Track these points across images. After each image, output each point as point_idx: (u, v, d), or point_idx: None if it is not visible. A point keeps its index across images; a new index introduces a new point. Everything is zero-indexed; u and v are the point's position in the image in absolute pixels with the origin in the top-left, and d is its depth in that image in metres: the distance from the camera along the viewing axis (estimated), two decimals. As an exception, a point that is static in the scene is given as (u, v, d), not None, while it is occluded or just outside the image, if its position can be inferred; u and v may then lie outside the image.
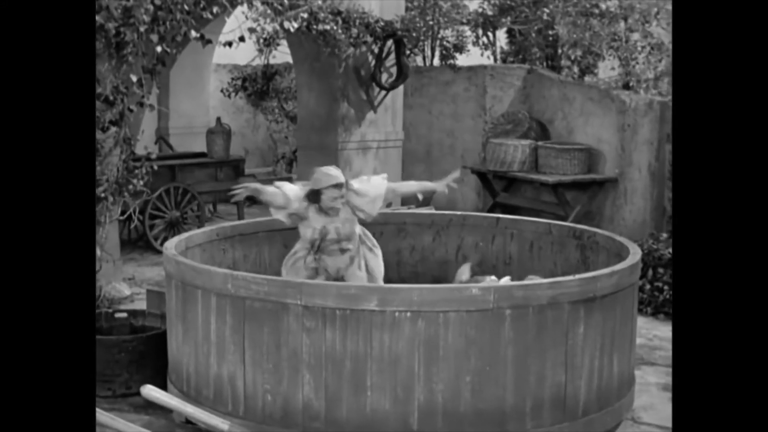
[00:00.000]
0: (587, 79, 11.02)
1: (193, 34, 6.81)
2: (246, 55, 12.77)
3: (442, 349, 4.13)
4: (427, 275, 6.32)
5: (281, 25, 8.01)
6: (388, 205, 9.00)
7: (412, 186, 5.88)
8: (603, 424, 4.59)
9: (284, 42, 10.35)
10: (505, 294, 4.18)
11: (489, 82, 10.65)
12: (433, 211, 7.50)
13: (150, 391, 4.28)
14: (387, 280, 5.58)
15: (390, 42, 9.58)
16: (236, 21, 8.20)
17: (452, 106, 11.08)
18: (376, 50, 9.60)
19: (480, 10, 11.42)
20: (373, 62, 9.66)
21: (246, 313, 4.33)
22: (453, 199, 10.92)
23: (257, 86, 13.24)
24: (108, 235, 7.13)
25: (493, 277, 5.57)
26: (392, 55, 9.72)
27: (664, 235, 7.99)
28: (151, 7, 6.42)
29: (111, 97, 6.53)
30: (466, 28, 11.35)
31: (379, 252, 5.44)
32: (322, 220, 5.15)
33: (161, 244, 8.86)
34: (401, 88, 10.06)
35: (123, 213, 7.41)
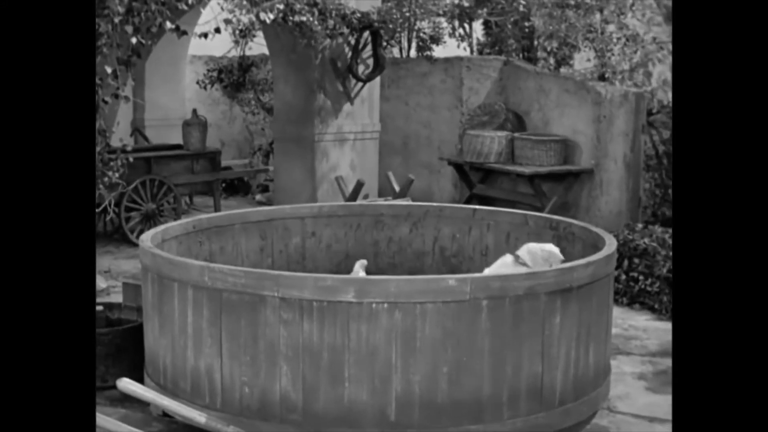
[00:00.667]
0: (563, 70, 11.05)
1: (169, 25, 6.77)
2: (222, 46, 12.71)
3: (419, 340, 4.14)
4: (404, 267, 6.33)
5: (257, 16, 7.98)
6: (365, 196, 9.00)
7: None
8: (579, 414, 4.62)
9: (260, 33, 10.29)
10: (481, 285, 4.19)
11: (465, 73, 10.66)
12: (410, 203, 7.51)
13: (126, 384, 4.27)
14: (365, 271, 5.59)
15: (366, 33, 9.56)
16: (212, 12, 8.16)
17: (429, 98, 11.09)
18: (353, 42, 9.58)
19: (456, 1, 11.42)
20: (350, 54, 9.64)
21: (223, 306, 4.32)
22: (429, 190, 10.95)
23: (233, 78, 13.18)
24: (83, 228, 7.06)
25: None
26: (369, 47, 9.70)
27: (640, 225, 8.04)
28: (125, -2, 6.37)
29: (86, 89, 6.46)
30: (443, 19, 11.35)
31: None
32: None
33: (137, 237, 8.83)
34: (378, 79, 10.05)
35: (98, 205, 7.36)
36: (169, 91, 12.71)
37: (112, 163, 6.96)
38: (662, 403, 5.17)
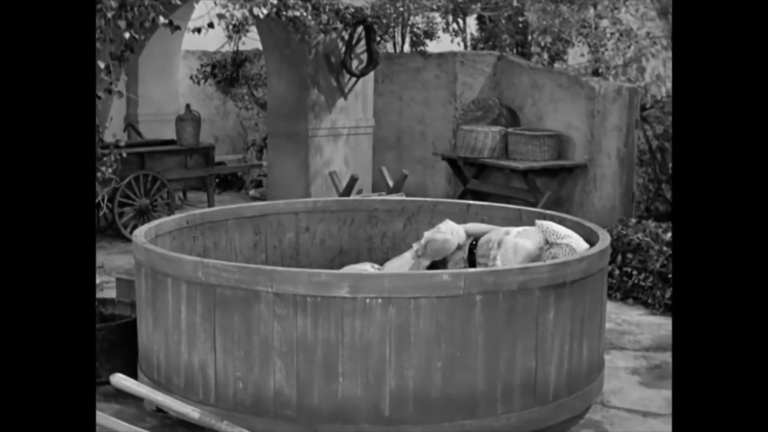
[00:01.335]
0: (557, 65, 11.05)
1: (162, 20, 6.75)
2: (215, 41, 12.69)
3: (413, 335, 4.14)
4: (398, 262, 6.32)
5: (250, 11, 7.96)
6: (359, 191, 9.00)
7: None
8: (573, 409, 4.63)
9: (254, 28, 10.28)
10: (475, 280, 4.19)
11: (459, 68, 10.65)
12: (404, 198, 7.51)
13: (120, 379, 4.26)
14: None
15: (360, 28, 9.55)
16: (205, 7, 8.15)
17: (423, 93, 11.08)
18: (347, 37, 9.57)
19: (450, -4, 11.41)
20: (344, 49, 9.63)
21: (216, 301, 4.32)
22: (423, 186, 10.95)
23: (227, 73, 13.16)
24: (77, 223, 7.05)
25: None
26: (362, 42, 9.69)
27: (633, 220, 8.05)
28: (118, -7, 6.36)
29: (78, 84, 6.45)
30: (437, 14, 11.34)
31: None
32: None
33: (130, 232, 8.80)
34: (372, 74, 10.04)
35: (92, 201, 7.34)
36: (163, 86, 12.68)
37: (105, 159, 6.95)
38: (655, 398, 5.18)
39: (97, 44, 6.43)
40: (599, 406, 5.03)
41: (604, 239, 4.93)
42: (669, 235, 7.29)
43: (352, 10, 9.29)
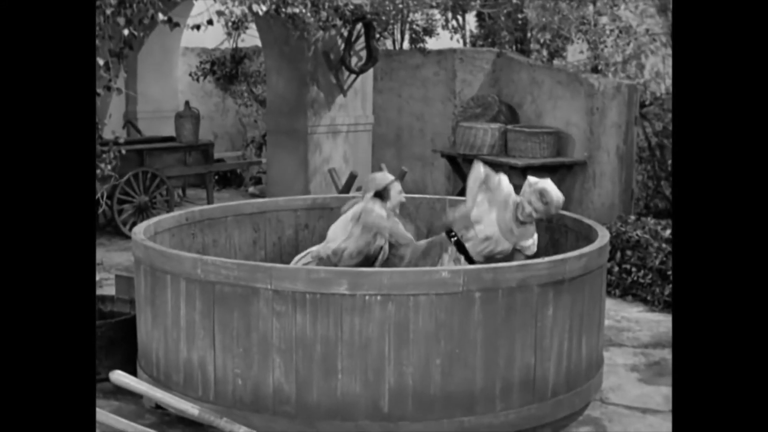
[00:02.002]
0: (556, 62, 11.04)
1: (161, 17, 6.74)
2: (214, 38, 12.68)
3: (412, 332, 4.14)
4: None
5: (250, 8, 7.95)
6: (358, 188, 8.99)
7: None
8: (571, 406, 4.63)
9: (253, 25, 10.28)
10: (474, 277, 4.20)
11: (458, 65, 10.65)
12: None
13: (119, 376, 4.26)
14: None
15: (359, 25, 9.54)
16: (204, 4, 8.13)
17: (422, 90, 11.07)
18: (346, 34, 9.56)
19: (449, -7, 11.40)
20: (343, 46, 9.62)
21: (216, 298, 4.32)
22: (423, 183, 10.94)
23: (226, 70, 13.16)
24: (76, 221, 7.05)
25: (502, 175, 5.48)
26: (362, 39, 9.68)
27: (632, 217, 8.05)
28: (117, -10, 6.35)
29: (77, 81, 6.44)
30: (436, 11, 11.33)
31: None
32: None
33: (130, 229, 8.80)
34: (371, 71, 10.03)
35: (91, 198, 7.34)
36: (162, 83, 12.67)
37: (104, 156, 6.94)
38: (654, 395, 5.18)
39: (96, 41, 6.42)
40: (598, 402, 5.03)
41: (603, 236, 4.93)
42: (668, 232, 7.30)
43: (352, 6, 9.28)
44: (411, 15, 11.15)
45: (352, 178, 8.50)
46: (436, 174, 10.95)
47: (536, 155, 9.43)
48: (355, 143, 10.05)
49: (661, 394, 5.18)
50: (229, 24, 10.80)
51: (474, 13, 11.93)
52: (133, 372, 4.71)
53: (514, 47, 11.41)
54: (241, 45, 13.00)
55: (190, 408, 4.21)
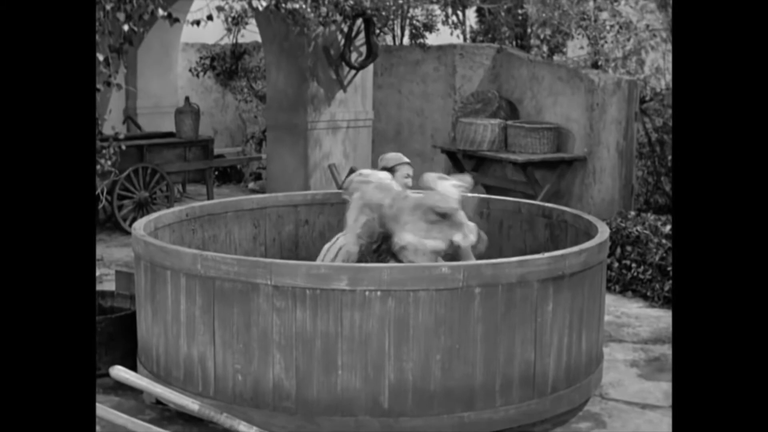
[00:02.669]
0: (556, 58, 11.04)
1: (161, 12, 6.73)
2: (214, 34, 12.66)
3: (412, 327, 4.14)
4: (397, 254, 6.32)
5: (249, 3, 7.95)
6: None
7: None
8: (571, 401, 4.64)
9: (253, 21, 10.26)
10: (474, 272, 4.20)
11: (458, 61, 10.64)
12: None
13: (119, 372, 4.26)
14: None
15: (359, 21, 9.53)
16: (204, -1, 8.13)
17: (422, 86, 11.07)
18: (346, 29, 9.55)
19: (449, -12, 11.39)
20: (343, 41, 9.62)
21: (216, 294, 4.32)
22: (423, 178, 10.93)
23: (226, 66, 13.14)
24: (76, 216, 7.05)
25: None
26: (362, 35, 9.68)
27: (632, 213, 8.06)
28: (117, -15, 6.34)
29: (77, 77, 6.43)
30: (436, 7, 11.32)
31: None
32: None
33: (130, 225, 8.80)
34: (371, 67, 10.02)
35: (91, 194, 7.34)
36: (162, 78, 12.66)
37: (104, 151, 6.94)
38: (654, 390, 5.19)
39: (96, 37, 6.42)
40: (598, 398, 5.03)
41: (603, 232, 4.94)
42: (668, 227, 7.30)
43: (352, 2, 9.27)
44: (411, 11, 11.14)
45: (352, 173, 8.49)
46: (435, 170, 10.89)
47: (536, 151, 9.43)
48: (355, 139, 10.05)
49: (661, 389, 5.18)
50: (229, 19, 10.76)
51: (474, 8, 11.93)
52: (133, 367, 4.71)
53: (514, 43, 11.40)
54: (240, 41, 12.99)
55: (190, 403, 4.22)
